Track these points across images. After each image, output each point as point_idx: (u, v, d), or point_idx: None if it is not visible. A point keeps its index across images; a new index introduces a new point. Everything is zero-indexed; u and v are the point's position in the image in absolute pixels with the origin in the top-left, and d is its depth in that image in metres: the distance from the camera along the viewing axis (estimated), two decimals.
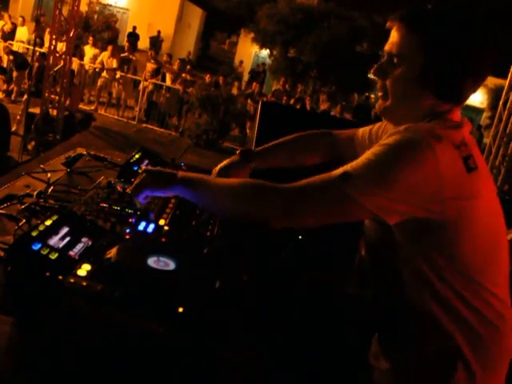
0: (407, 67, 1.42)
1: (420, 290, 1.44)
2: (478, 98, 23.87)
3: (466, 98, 1.45)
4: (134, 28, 21.71)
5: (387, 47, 1.48)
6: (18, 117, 10.05)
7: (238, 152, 2.04)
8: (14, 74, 13.25)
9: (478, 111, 23.49)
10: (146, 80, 13.36)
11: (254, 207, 1.39)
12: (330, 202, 1.33)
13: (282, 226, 1.38)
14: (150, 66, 13.82)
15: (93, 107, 13.23)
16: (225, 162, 2.00)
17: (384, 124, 1.80)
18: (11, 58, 13.57)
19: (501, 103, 9.76)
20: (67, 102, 9.71)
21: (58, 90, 9.35)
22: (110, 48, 13.85)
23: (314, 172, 1.38)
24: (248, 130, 12.52)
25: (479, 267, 1.42)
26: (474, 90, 1.44)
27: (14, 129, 9.16)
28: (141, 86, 13.49)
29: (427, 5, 1.44)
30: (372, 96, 18.18)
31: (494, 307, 1.44)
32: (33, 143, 8.89)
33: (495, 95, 20.70)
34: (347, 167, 1.33)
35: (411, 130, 1.34)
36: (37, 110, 9.14)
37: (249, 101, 13.44)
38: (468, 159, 1.35)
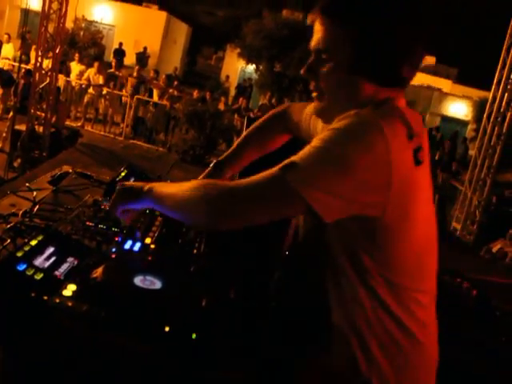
0: (337, 60, 1.32)
1: (342, 296, 1.38)
2: (462, 111, 24.10)
3: (408, 80, 1.37)
4: (121, 44, 21.75)
5: (313, 44, 1.39)
6: (4, 134, 10.02)
7: (211, 165, 2.02)
8: (0, 91, 13.21)
9: (463, 124, 23.71)
10: (130, 96, 13.36)
11: (198, 211, 1.31)
12: (273, 197, 1.23)
13: (230, 227, 1.30)
14: (133, 80, 13.84)
15: (79, 123, 13.21)
16: (200, 177, 1.98)
17: None
18: None
19: (485, 116, 9.89)
20: (53, 119, 9.69)
21: (44, 106, 9.33)
22: (96, 64, 13.87)
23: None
24: None
25: (409, 272, 1.35)
26: (414, 72, 1.35)
27: None
28: (126, 101, 13.50)
29: None
30: None
31: (418, 317, 1.37)
32: (19, 160, 8.86)
33: (480, 108, 20.93)
34: (293, 157, 1.23)
35: (361, 115, 1.24)
36: (23, 127, 9.12)
37: (236, 116, 13.50)
38: (418, 151, 1.26)
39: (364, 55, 1.29)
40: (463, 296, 2.82)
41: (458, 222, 10.24)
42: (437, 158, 15.04)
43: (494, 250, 8.14)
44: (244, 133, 2.03)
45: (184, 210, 1.36)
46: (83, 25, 21.97)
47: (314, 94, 1.43)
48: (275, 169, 1.23)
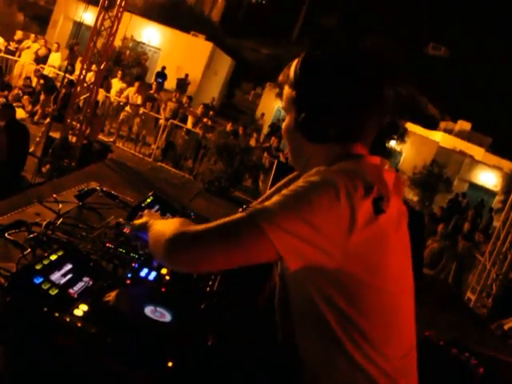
0: (288, 119, 1.51)
1: (315, 346, 1.40)
2: (492, 181, 23.95)
3: (363, 132, 1.47)
4: (163, 68, 22.16)
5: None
6: (38, 138, 10.20)
7: (239, 210, 2.03)
8: (42, 96, 13.53)
9: (490, 194, 23.53)
10: (165, 120, 13.55)
11: (159, 246, 1.36)
12: (238, 236, 1.27)
13: (192, 268, 1.37)
14: (172, 105, 14.04)
15: (112, 139, 13.41)
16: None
17: None
18: (42, 81, 13.88)
19: None
20: (87, 131, 9.86)
21: (81, 118, 9.51)
22: (136, 84, 14.15)
23: None
24: (261, 183, 12.60)
25: (380, 325, 1.36)
26: (366, 124, 1.46)
27: (31, 150, 9.28)
28: (160, 124, 13.69)
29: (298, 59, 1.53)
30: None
31: (386, 371, 1.37)
32: (48, 166, 9.00)
33: (510, 180, 20.78)
34: (261, 204, 1.32)
35: (322, 172, 1.34)
36: (57, 135, 9.28)
37: (265, 154, 13.58)
38: (379, 201, 1.30)
39: (299, 110, 1.45)
40: (469, 372, 2.76)
41: (473, 293, 10.07)
42: (458, 223, 14.89)
43: (506, 327, 7.96)
44: (280, 183, 2.07)
45: (152, 243, 1.45)
46: (130, 44, 22.46)
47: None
48: (244, 213, 1.30)
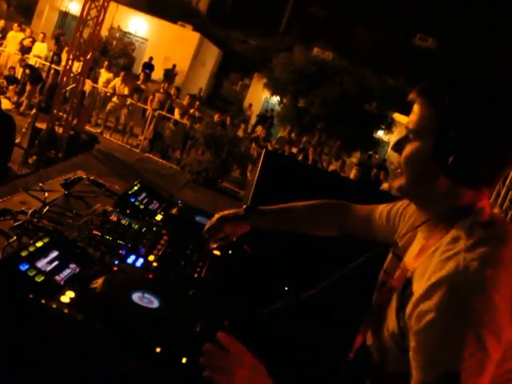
0: (420, 144, 1.31)
1: None
2: None
3: (489, 183, 1.31)
4: (151, 59, 22.03)
5: (407, 122, 1.38)
6: (24, 129, 10.11)
7: (243, 207, 2.00)
8: (27, 87, 13.40)
9: None
10: (153, 111, 13.47)
11: None
12: None
13: None
14: (159, 96, 13.96)
15: (99, 130, 13.31)
16: (226, 213, 1.98)
17: (406, 203, 1.68)
18: (27, 71, 13.74)
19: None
20: (74, 122, 9.79)
21: (67, 108, 9.44)
22: (122, 74, 14.03)
23: None
24: (249, 174, 12.59)
25: None
26: (493, 179, 1.30)
27: (17, 141, 9.19)
28: (148, 114, 13.62)
29: (449, 79, 1.33)
30: (376, 156, 18.34)
31: None
32: (34, 157, 8.93)
33: None
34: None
35: (452, 260, 1.20)
36: (43, 126, 9.20)
37: (253, 144, 13.55)
38: None
39: (445, 147, 1.26)
40: None
41: None
42: None
43: None
44: (291, 204, 2.01)
45: None
46: (117, 35, 22.30)
47: (398, 171, 1.41)
48: None
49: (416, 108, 1.34)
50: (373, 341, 1.51)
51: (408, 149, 1.35)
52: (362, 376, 1.53)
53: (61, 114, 9.47)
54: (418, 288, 1.25)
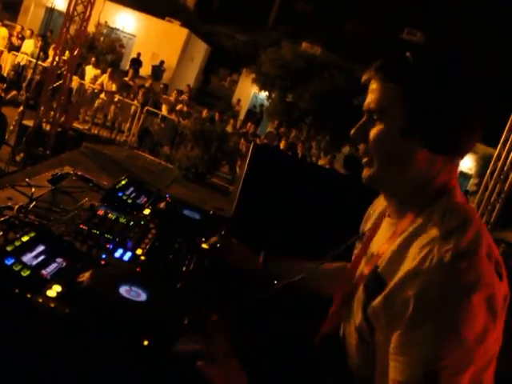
0: (391, 122, 1.27)
1: None
2: (466, 164, 24.22)
3: (466, 150, 1.28)
4: (138, 55, 21.96)
5: (365, 104, 1.33)
6: (12, 127, 10.05)
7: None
8: None
9: (465, 177, 23.82)
10: (141, 106, 13.42)
11: None
12: None
13: None
14: (143, 91, 13.92)
15: (87, 127, 13.27)
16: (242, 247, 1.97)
17: (373, 206, 1.64)
18: None
19: (488, 172, 9.92)
20: (62, 119, 9.74)
21: (55, 105, 9.38)
22: (109, 70, 13.97)
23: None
24: (238, 169, 12.59)
25: None
26: (473, 142, 1.27)
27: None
28: (132, 111, 13.56)
29: (405, 53, 1.29)
30: None
31: None
32: (22, 155, 8.88)
33: (484, 163, 21.05)
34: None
35: (426, 249, 1.17)
36: (30, 123, 9.15)
37: (242, 140, 13.56)
38: (497, 265, 1.18)
39: (420, 118, 1.23)
40: None
41: None
42: None
43: None
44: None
45: None
46: (104, 31, 22.20)
47: (364, 160, 1.35)
48: None
49: (375, 87, 1.30)
50: (338, 331, 1.49)
51: (374, 132, 1.30)
52: (325, 365, 1.52)
53: (48, 111, 9.42)
54: (389, 279, 1.22)
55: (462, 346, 1.08)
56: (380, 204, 1.57)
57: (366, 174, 1.34)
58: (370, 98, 1.31)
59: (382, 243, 1.36)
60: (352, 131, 1.35)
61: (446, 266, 1.12)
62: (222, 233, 2.01)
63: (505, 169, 9.55)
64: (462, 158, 1.31)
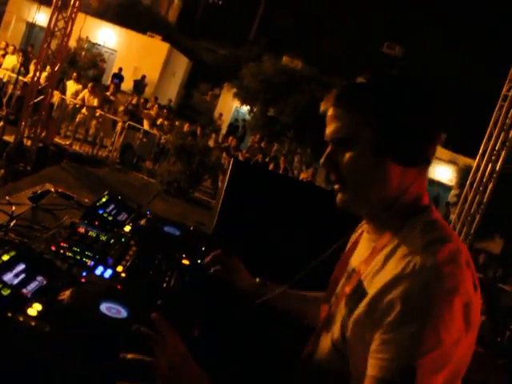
0: (360, 145, 1.32)
1: None
2: (447, 175, 24.44)
3: (431, 159, 1.35)
4: (120, 69, 21.92)
5: (329, 134, 1.39)
6: None
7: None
8: None
9: (446, 188, 24.02)
10: (123, 122, 13.41)
11: None
12: None
13: None
14: (128, 107, 13.92)
15: (68, 142, 13.20)
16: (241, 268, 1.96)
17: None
18: None
19: (468, 183, 10.06)
20: (43, 134, 9.70)
21: (36, 120, 9.35)
22: (90, 85, 13.94)
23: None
24: (220, 183, 12.59)
25: None
26: (434, 150, 1.34)
27: None
28: (118, 128, 13.54)
29: (359, 79, 1.37)
30: None
31: None
32: (2, 171, 8.82)
33: (464, 174, 21.27)
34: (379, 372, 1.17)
35: (408, 259, 1.23)
36: (11, 139, 9.10)
37: (224, 154, 13.59)
38: (473, 276, 1.24)
39: (389, 134, 1.29)
40: None
41: None
42: None
43: None
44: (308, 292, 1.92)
45: None
46: (86, 46, 22.16)
47: (336, 187, 1.40)
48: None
49: (336, 117, 1.36)
50: (318, 349, 1.51)
51: (347, 159, 1.35)
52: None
53: (29, 126, 9.38)
54: (372, 289, 1.27)
55: (440, 346, 1.13)
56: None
57: (341, 199, 1.40)
58: (334, 128, 1.37)
59: (362, 260, 1.40)
60: (321, 161, 1.41)
61: (428, 269, 1.18)
62: (221, 251, 1.97)
63: (484, 180, 9.68)
64: (428, 167, 1.37)
